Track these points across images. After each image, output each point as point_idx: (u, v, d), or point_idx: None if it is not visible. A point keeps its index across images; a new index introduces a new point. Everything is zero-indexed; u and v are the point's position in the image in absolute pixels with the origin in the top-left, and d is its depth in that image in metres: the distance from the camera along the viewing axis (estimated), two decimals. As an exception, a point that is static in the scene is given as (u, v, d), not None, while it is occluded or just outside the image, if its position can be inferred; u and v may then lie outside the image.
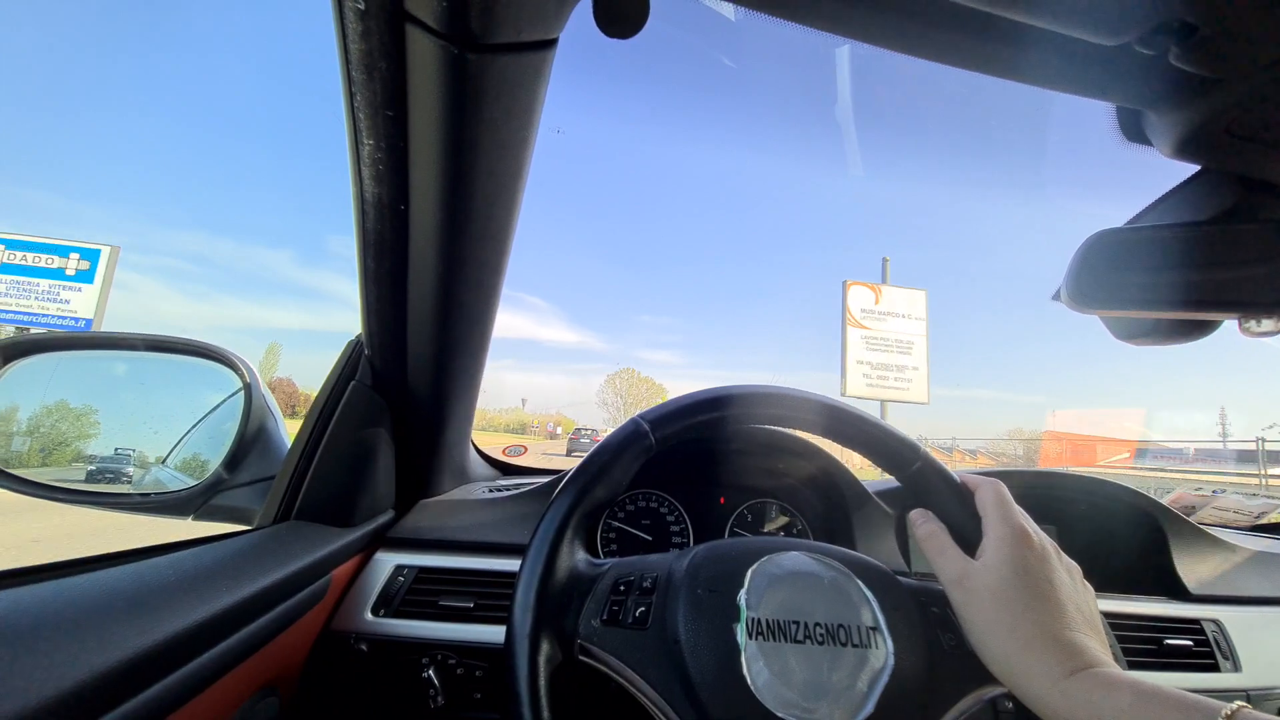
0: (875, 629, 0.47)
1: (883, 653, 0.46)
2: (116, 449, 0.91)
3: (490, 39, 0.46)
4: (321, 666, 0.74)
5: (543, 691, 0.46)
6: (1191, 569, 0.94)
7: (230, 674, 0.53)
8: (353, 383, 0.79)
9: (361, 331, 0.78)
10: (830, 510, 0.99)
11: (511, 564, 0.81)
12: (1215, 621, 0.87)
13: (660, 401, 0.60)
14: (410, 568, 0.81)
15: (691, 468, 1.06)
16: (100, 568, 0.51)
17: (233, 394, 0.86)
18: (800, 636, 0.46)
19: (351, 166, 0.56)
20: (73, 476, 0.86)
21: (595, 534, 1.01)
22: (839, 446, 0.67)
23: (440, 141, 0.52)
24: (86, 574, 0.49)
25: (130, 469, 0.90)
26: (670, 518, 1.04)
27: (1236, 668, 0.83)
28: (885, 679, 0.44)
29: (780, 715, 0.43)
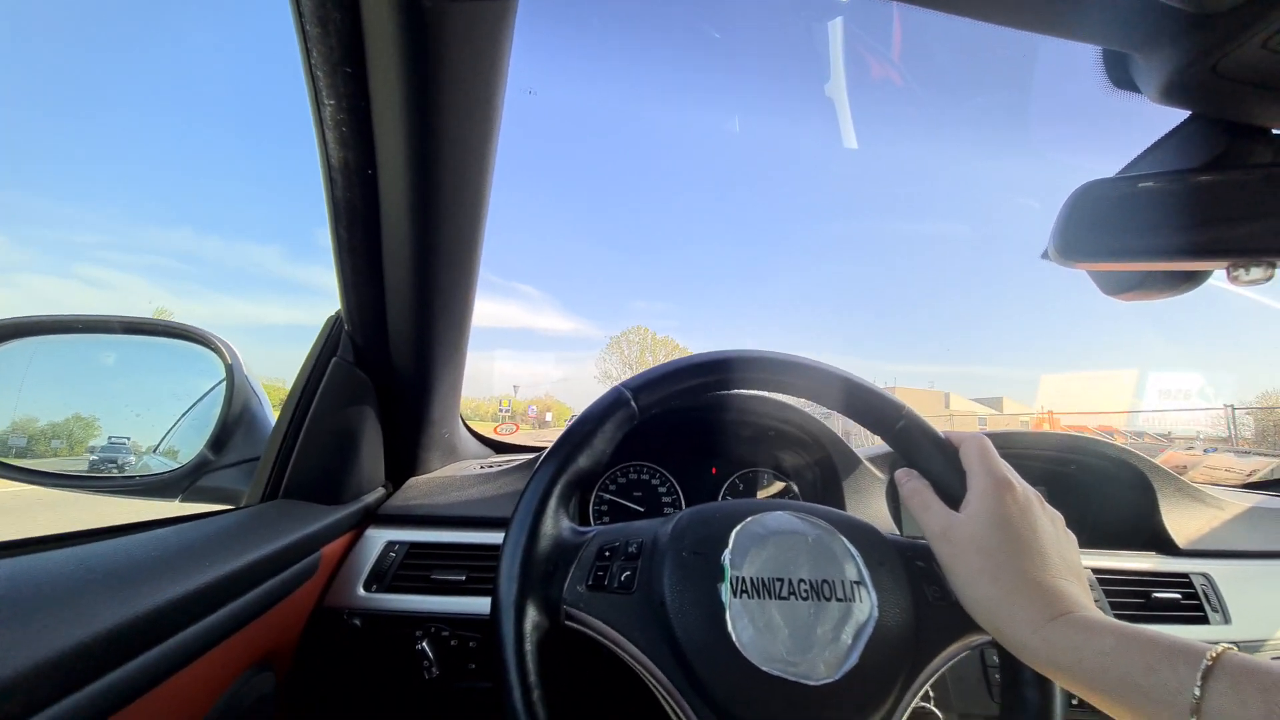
0: (859, 583, 0.47)
1: (867, 606, 0.46)
2: (111, 438, 0.91)
3: None
4: (316, 642, 0.74)
5: (530, 657, 0.46)
6: (1181, 525, 0.95)
7: (218, 649, 0.53)
8: (334, 359, 0.78)
9: (341, 307, 0.77)
10: (821, 476, 1.00)
11: (502, 537, 0.81)
12: (1205, 575, 0.87)
13: None
14: (401, 543, 0.81)
15: (683, 439, 1.06)
16: (78, 543, 0.50)
17: (216, 375, 0.85)
18: (785, 593, 0.46)
19: (316, 131, 0.54)
20: (71, 466, 0.85)
21: (587, 505, 1.02)
22: (829, 412, 0.67)
23: (402, 98, 0.51)
24: (65, 549, 0.48)
25: (130, 457, 0.90)
26: (662, 489, 1.05)
27: (1226, 620, 0.84)
28: (869, 631, 0.45)
29: (765, 670, 0.43)
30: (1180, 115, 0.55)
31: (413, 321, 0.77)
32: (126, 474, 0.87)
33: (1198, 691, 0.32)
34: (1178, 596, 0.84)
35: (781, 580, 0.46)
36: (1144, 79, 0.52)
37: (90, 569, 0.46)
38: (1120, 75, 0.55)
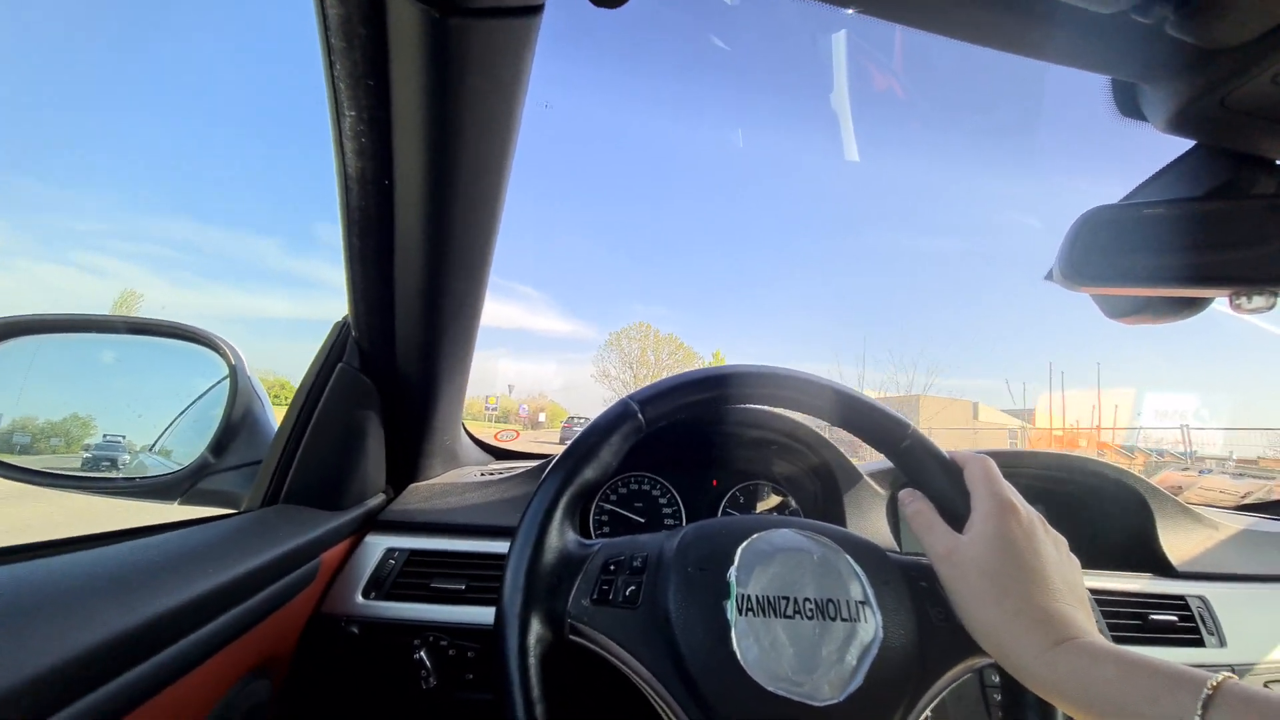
0: (864, 603, 0.47)
1: (872, 626, 0.46)
2: (105, 435, 0.90)
3: (471, 2, 0.45)
4: (313, 649, 0.74)
5: (533, 671, 0.46)
6: (1177, 546, 0.95)
7: (218, 655, 0.53)
8: (340, 365, 0.78)
9: (348, 313, 0.77)
10: (822, 491, 1.00)
11: (503, 546, 0.81)
12: (1201, 598, 0.88)
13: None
14: (401, 550, 0.81)
15: (684, 450, 1.06)
16: (84, 548, 0.50)
17: (218, 377, 0.85)
18: (790, 612, 0.46)
19: (334, 141, 0.55)
20: (66, 463, 0.85)
21: (588, 516, 1.01)
22: (831, 427, 0.67)
23: (423, 112, 0.51)
24: (69, 554, 0.48)
25: (125, 456, 0.90)
26: (663, 500, 1.05)
27: (1222, 643, 0.84)
28: (874, 652, 0.45)
29: (770, 689, 0.43)
30: (1185, 144, 0.56)
31: (421, 329, 0.77)
32: (126, 475, 0.86)
33: None
34: (1174, 619, 0.84)
35: (787, 599, 0.47)
36: (1152, 109, 0.53)
37: (95, 574, 0.46)
38: (1128, 104, 0.56)
